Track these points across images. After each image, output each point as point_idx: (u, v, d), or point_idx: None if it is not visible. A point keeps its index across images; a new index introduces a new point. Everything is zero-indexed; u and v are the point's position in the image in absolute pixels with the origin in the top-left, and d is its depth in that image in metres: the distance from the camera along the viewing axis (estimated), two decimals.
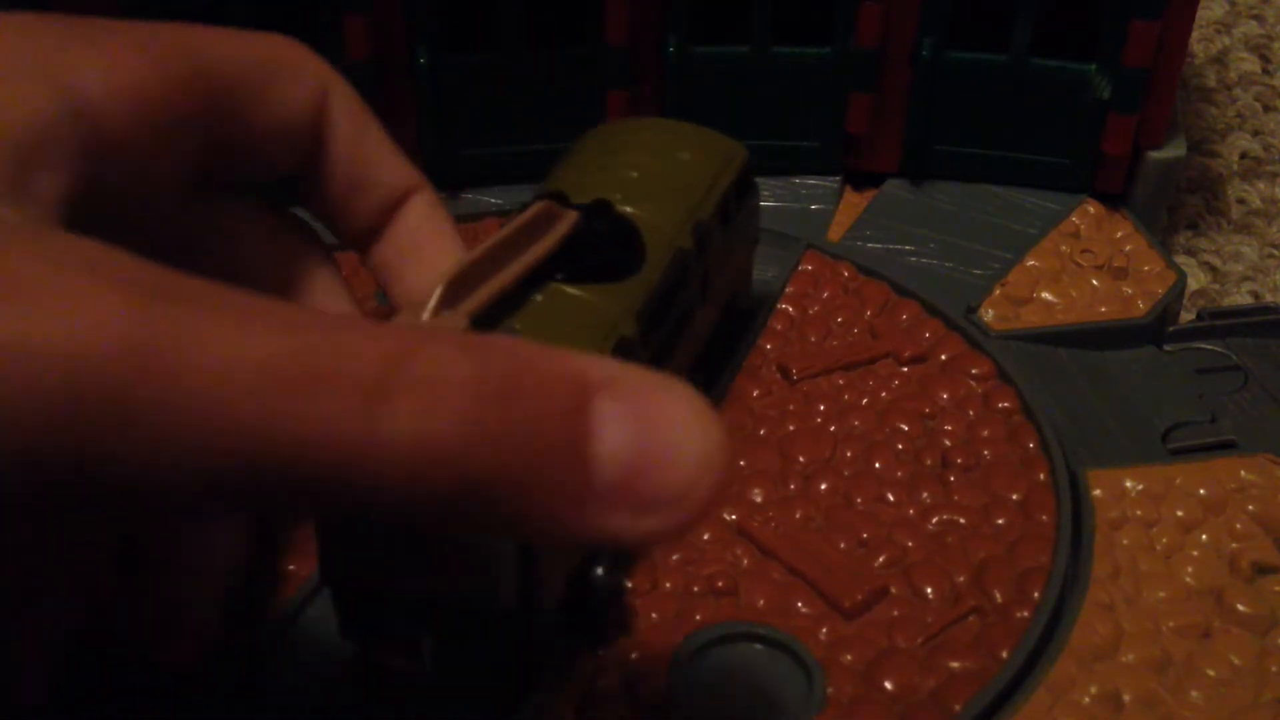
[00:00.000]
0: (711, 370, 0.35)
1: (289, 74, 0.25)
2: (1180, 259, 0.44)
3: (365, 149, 0.26)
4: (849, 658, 0.28)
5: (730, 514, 0.31)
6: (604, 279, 0.28)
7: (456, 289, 0.23)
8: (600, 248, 0.28)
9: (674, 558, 0.30)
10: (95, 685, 0.26)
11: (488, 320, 0.24)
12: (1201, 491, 0.32)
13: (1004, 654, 0.28)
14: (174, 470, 0.16)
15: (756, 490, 0.32)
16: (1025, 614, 0.28)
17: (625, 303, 0.28)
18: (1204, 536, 0.31)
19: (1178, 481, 0.32)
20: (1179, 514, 0.31)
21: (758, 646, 0.28)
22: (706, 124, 0.34)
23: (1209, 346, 0.38)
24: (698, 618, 0.28)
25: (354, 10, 0.39)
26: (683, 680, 0.27)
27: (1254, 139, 0.50)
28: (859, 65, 0.41)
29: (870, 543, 0.30)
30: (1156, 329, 0.38)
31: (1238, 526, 0.31)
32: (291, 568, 0.29)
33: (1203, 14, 0.55)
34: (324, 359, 0.16)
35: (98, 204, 0.21)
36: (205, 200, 0.25)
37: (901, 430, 0.34)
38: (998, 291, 0.39)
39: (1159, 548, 0.31)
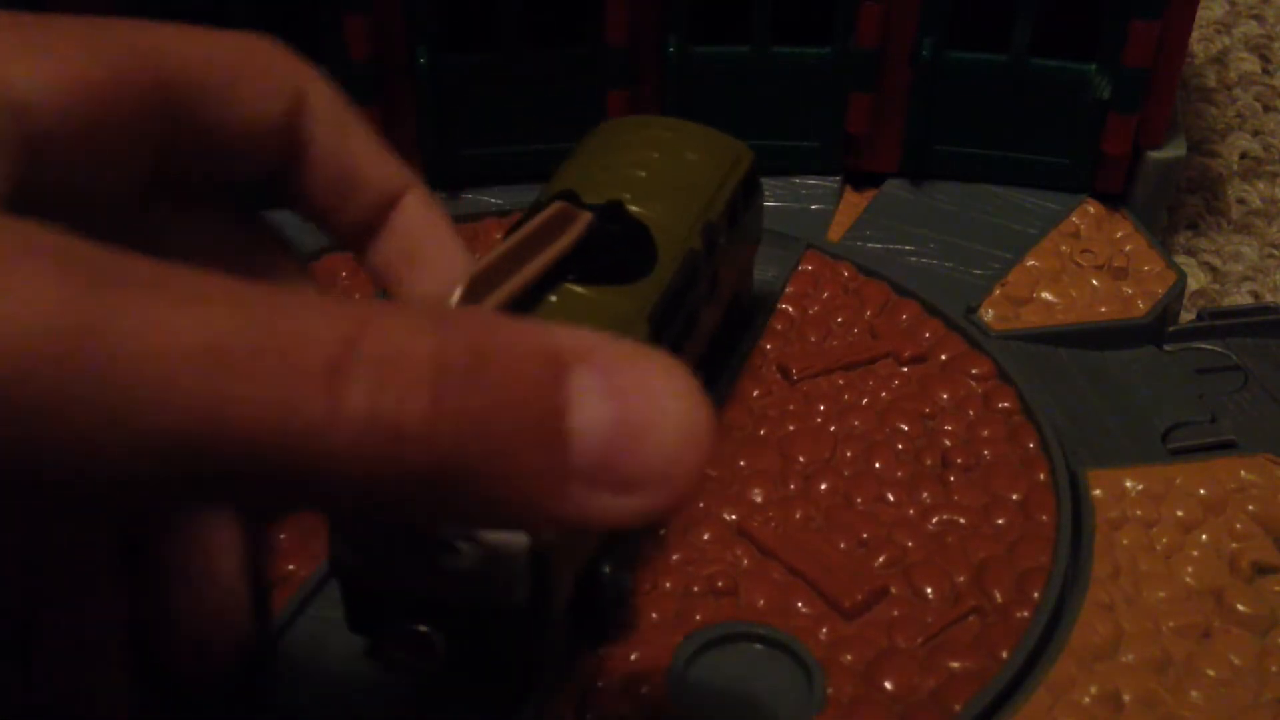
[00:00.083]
0: (712, 370, 0.35)
1: (256, 74, 0.24)
2: (1180, 259, 0.44)
3: (350, 149, 0.26)
4: (849, 658, 0.28)
5: (730, 514, 0.31)
6: (616, 280, 0.28)
7: (476, 289, 0.24)
8: (613, 249, 0.28)
9: (674, 558, 0.30)
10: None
11: None
12: (1201, 491, 0.32)
13: (1004, 654, 0.28)
14: (116, 457, 0.15)
15: (756, 490, 0.32)
16: (1025, 614, 0.28)
17: (637, 304, 0.28)
18: (1204, 536, 0.31)
19: (1178, 481, 0.32)
20: (1179, 514, 0.31)
21: (758, 646, 0.28)
22: (707, 124, 0.34)
23: (1209, 346, 0.38)
24: (698, 618, 0.28)
25: (354, 10, 0.39)
26: (683, 680, 0.27)
27: (1254, 139, 0.50)
28: (859, 65, 0.41)
29: (870, 543, 0.30)
30: (1156, 329, 0.38)
31: (1238, 526, 0.31)
32: (291, 568, 0.29)
33: (1203, 14, 0.55)
34: (276, 337, 0.15)
35: (45, 202, 0.20)
36: (171, 205, 0.25)
37: (901, 430, 0.34)
38: (998, 291, 0.39)
39: (1159, 548, 0.31)
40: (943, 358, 0.36)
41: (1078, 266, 0.40)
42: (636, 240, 0.29)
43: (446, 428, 0.16)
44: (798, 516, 0.31)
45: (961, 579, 0.29)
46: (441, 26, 0.40)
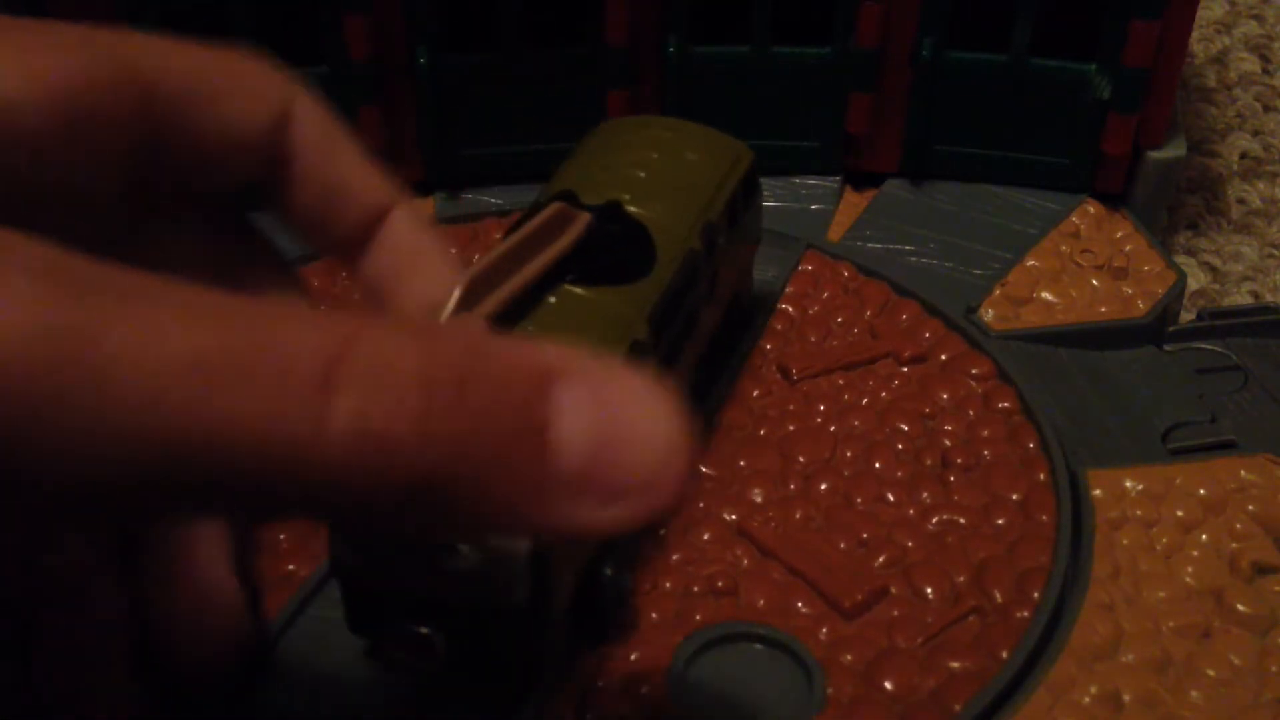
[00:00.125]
0: (713, 370, 0.35)
1: (242, 85, 0.24)
2: (1180, 259, 0.44)
3: (337, 165, 0.25)
4: (849, 658, 0.28)
5: (730, 514, 0.31)
6: (616, 281, 0.28)
7: (475, 291, 0.24)
8: (612, 249, 0.28)
9: (674, 558, 0.30)
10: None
11: (504, 322, 0.24)
12: (1201, 491, 0.32)
13: (1004, 654, 0.28)
14: (106, 466, 0.15)
15: (756, 490, 0.32)
16: (1025, 614, 0.28)
17: (637, 305, 0.28)
18: (1204, 536, 0.31)
19: (1178, 481, 0.32)
20: (1179, 514, 0.31)
21: (758, 646, 0.28)
22: (707, 124, 0.34)
23: (1209, 346, 0.38)
24: (698, 618, 0.28)
25: (354, 10, 0.39)
26: (683, 680, 0.27)
27: (1254, 139, 0.50)
28: (859, 65, 0.41)
29: (870, 543, 0.30)
30: (1156, 329, 0.38)
31: (1238, 526, 0.31)
32: (291, 568, 0.29)
33: (1203, 14, 0.55)
34: (264, 350, 0.15)
35: (27, 209, 0.20)
36: (158, 216, 0.25)
37: (901, 430, 0.34)
38: (998, 291, 0.39)
39: (1159, 548, 0.31)
40: (943, 358, 0.36)
41: (1078, 266, 0.40)
42: (636, 240, 0.29)
43: (434, 440, 0.16)
44: (798, 516, 0.31)
45: (961, 579, 0.29)
46: (441, 26, 0.40)
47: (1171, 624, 0.29)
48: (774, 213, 0.40)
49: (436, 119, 0.41)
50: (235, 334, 0.16)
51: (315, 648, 0.28)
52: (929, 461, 0.33)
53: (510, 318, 0.25)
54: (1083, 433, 0.34)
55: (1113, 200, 0.42)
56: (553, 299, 0.27)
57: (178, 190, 0.25)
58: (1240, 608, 0.29)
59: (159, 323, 0.15)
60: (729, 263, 0.33)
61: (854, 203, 0.43)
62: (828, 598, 0.29)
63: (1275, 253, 0.45)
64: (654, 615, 0.28)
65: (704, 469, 0.32)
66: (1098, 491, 0.32)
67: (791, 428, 0.33)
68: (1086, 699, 0.27)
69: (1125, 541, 0.31)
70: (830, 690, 0.27)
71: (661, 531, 0.30)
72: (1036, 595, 0.29)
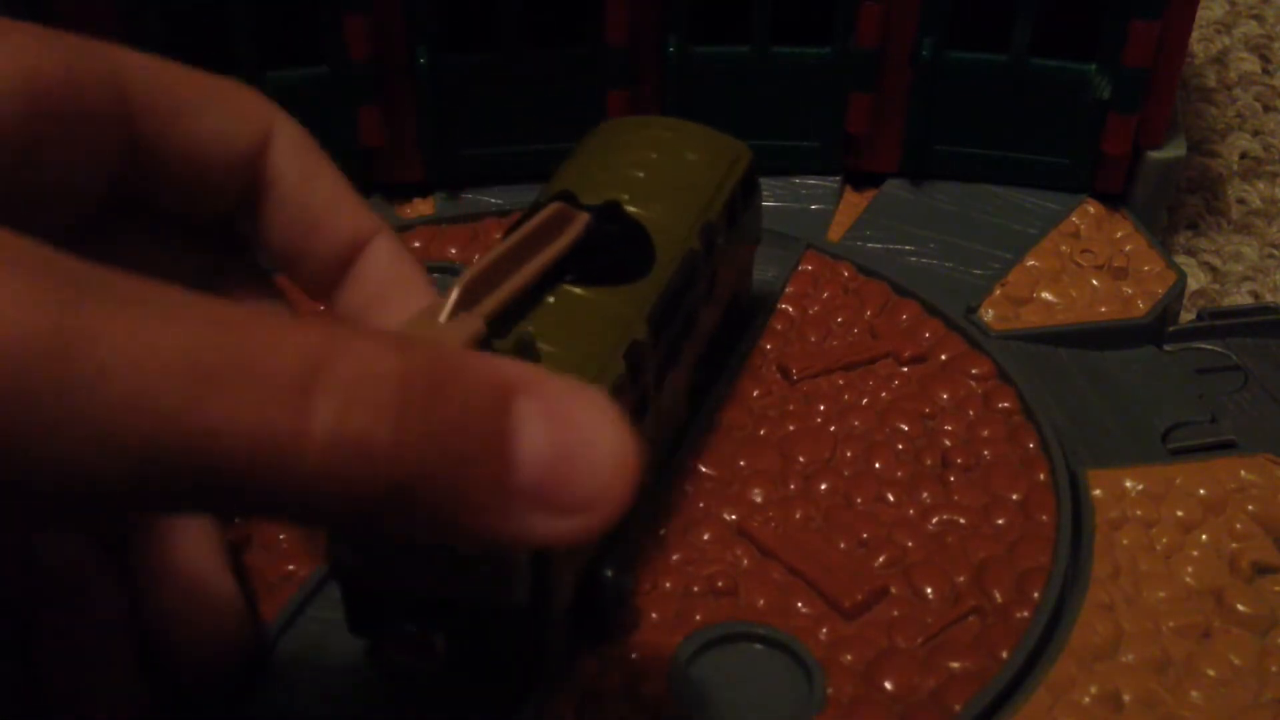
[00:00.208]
0: (712, 370, 0.35)
1: (223, 106, 0.24)
2: (1180, 259, 0.44)
3: (316, 193, 0.26)
4: (849, 658, 0.28)
5: (730, 514, 0.31)
6: (615, 281, 0.28)
7: (473, 291, 0.24)
8: (611, 249, 0.28)
9: (674, 558, 0.30)
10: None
11: (502, 323, 0.24)
12: (1201, 491, 0.32)
13: (1004, 654, 0.28)
14: (95, 465, 0.15)
15: (756, 490, 0.32)
16: (1025, 614, 0.28)
17: (636, 305, 0.28)
18: (1204, 536, 0.31)
19: (1178, 481, 0.32)
20: (1179, 514, 0.31)
21: (758, 646, 0.28)
22: (707, 124, 0.34)
23: (1209, 346, 0.38)
24: (698, 618, 0.28)
25: (354, 10, 0.39)
26: (683, 680, 0.27)
27: (1254, 139, 0.50)
28: (859, 65, 0.41)
29: (870, 543, 0.30)
30: (1156, 329, 0.38)
31: (1238, 526, 0.31)
32: (291, 568, 0.29)
33: (1203, 14, 0.55)
34: (248, 352, 0.16)
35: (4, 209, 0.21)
36: (137, 228, 0.25)
37: (901, 430, 0.34)
38: (998, 291, 0.39)
39: (1159, 548, 0.31)
40: (943, 358, 0.36)
41: (1078, 266, 0.40)
42: (635, 240, 0.29)
43: (410, 447, 0.16)
44: (798, 516, 0.31)
45: (961, 579, 0.29)
46: (441, 26, 0.40)
47: (1171, 624, 0.29)
48: (774, 213, 0.40)
49: (436, 119, 0.41)
50: (222, 337, 0.16)
51: (315, 648, 0.28)
52: (929, 461, 0.33)
53: (509, 318, 0.25)
54: (1083, 433, 0.34)
55: (1113, 200, 0.42)
56: (552, 299, 0.27)
57: (156, 207, 0.25)
58: (1240, 608, 0.29)
59: (151, 326, 0.16)
60: (728, 263, 0.33)
61: (854, 203, 0.43)
62: (828, 598, 0.29)
63: (1275, 253, 0.45)
64: (654, 615, 0.28)
65: (704, 469, 0.32)
66: (1098, 491, 0.32)
67: (791, 428, 0.33)
68: (1086, 699, 0.27)
69: (1125, 541, 0.31)
70: (830, 690, 0.27)
71: (661, 531, 0.30)
72: (1036, 595, 0.29)
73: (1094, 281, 0.39)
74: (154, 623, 0.25)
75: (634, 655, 0.27)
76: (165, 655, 0.25)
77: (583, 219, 0.28)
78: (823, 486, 0.32)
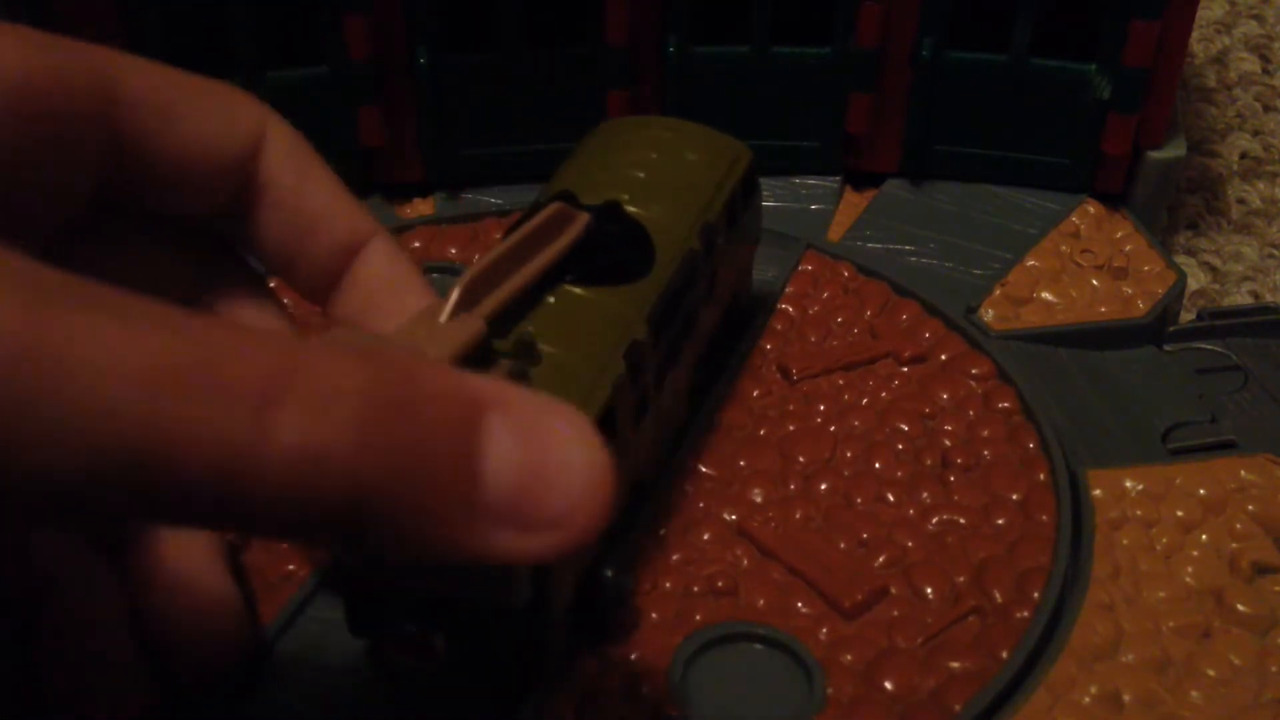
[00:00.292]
0: (712, 370, 0.35)
1: (213, 107, 0.24)
2: (1180, 259, 0.44)
3: (311, 196, 0.25)
4: (849, 658, 0.28)
5: (730, 514, 0.31)
6: (615, 281, 0.28)
7: (474, 291, 0.23)
8: (611, 249, 0.28)
9: (674, 558, 0.30)
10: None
11: (503, 323, 0.24)
12: (1201, 491, 0.32)
13: (1004, 654, 0.28)
14: (61, 471, 0.15)
15: (756, 490, 0.32)
16: (1025, 614, 0.28)
17: (636, 305, 0.28)
18: (1204, 536, 0.31)
19: (1178, 481, 0.32)
20: (1179, 514, 0.31)
21: (758, 646, 0.28)
22: (707, 124, 0.34)
23: (1209, 346, 0.38)
24: (698, 618, 0.28)
25: (354, 10, 0.39)
26: (683, 680, 0.27)
27: (1254, 139, 0.50)
28: (859, 65, 0.41)
29: (870, 543, 0.30)
30: (1156, 329, 0.38)
31: (1238, 526, 0.31)
32: (291, 568, 0.29)
33: (1203, 14, 0.55)
34: (213, 363, 0.16)
35: None
36: (129, 226, 0.25)
37: (901, 430, 0.34)
38: (998, 291, 0.39)
39: (1159, 548, 0.31)
40: (943, 358, 0.36)
41: (1078, 266, 0.40)
42: (634, 241, 0.29)
43: (371, 462, 0.16)
44: (798, 516, 0.31)
45: (961, 579, 0.29)
46: (441, 26, 0.40)
47: (1171, 624, 0.29)
48: (774, 213, 0.40)
49: (436, 119, 0.41)
50: (187, 347, 0.16)
51: (315, 648, 0.28)
52: (929, 461, 0.33)
53: (510, 318, 0.25)
54: (1083, 433, 0.34)
55: (1113, 200, 0.42)
56: (552, 299, 0.27)
57: (146, 210, 0.25)
58: (1240, 608, 0.29)
59: (114, 333, 0.16)
60: (728, 263, 0.33)
61: (854, 203, 0.43)
62: (828, 598, 0.29)
63: (1275, 253, 0.45)
64: (654, 615, 0.28)
65: (704, 469, 0.32)
66: (1098, 491, 0.32)
67: (791, 428, 0.33)
68: (1086, 699, 0.27)
69: (1125, 541, 0.31)
70: (830, 690, 0.27)
71: (661, 531, 0.30)
72: (1036, 595, 0.29)
73: (1094, 281, 0.39)
74: (153, 623, 0.25)
75: (634, 655, 0.27)
76: (165, 655, 0.25)
77: (583, 219, 0.28)
78: (823, 486, 0.32)
